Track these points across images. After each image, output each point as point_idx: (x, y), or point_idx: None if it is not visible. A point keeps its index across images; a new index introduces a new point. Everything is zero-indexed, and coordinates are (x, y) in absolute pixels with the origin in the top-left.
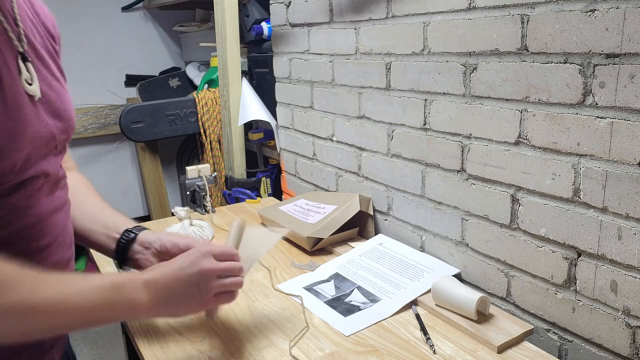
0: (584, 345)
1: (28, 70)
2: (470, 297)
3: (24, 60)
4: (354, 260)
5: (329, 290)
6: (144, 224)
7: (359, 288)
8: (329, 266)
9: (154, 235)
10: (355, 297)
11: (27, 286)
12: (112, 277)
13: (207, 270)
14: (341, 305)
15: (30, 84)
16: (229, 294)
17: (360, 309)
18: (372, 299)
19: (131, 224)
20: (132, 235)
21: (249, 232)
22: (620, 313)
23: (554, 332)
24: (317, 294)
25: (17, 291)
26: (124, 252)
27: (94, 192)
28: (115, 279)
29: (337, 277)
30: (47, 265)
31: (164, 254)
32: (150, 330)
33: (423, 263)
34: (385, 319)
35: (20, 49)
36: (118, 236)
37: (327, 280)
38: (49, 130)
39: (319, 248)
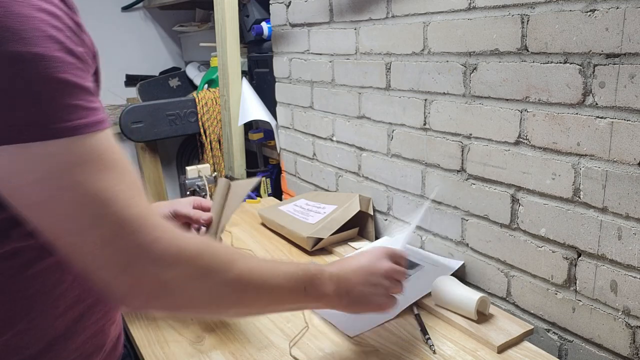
0: (584, 345)
1: None
2: (470, 297)
3: None
4: None
5: None
6: None
7: None
8: None
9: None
10: None
11: (244, 264)
12: (303, 267)
13: (393, 269)
14: None
15: None
16: (393, 299)
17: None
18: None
19: None
20: None
21: (233, 190)
22: (620, 313)
23: (554, 332)
24: None
25: (237, 268)
26: None
27: None
28: (307, 269)
29: None
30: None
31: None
32: (150, 330)
33: (427, 261)
34: (389, 320)
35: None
36: None
37: None
38: None
39: (319, 248)
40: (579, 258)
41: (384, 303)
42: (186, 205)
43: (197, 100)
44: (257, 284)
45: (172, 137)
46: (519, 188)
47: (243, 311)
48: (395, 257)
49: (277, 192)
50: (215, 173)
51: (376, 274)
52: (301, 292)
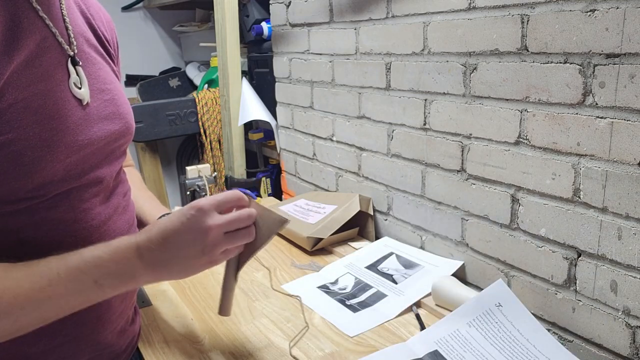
0: (584, 345)
1: (78, 74)
2: (470, 297)
3: (74, 63)
4: (360, 258)
5: (346, 287)
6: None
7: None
8: (336, 267)
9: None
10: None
11: None
12: (90, 254)
13: (210, 227)
14: (353, 302)
15: (79, 88)
16: (238, 248)
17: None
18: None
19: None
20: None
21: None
22: (620, 313)
23: (554, 332)
24: (329, 292)
25: None
26: None
27: (143, 187)
28: (96, 256)
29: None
30: None
31: None
32: (151, 330)
33: (427, 261)
34: (389, 320)
35: (70, 53)
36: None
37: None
38: (101, 136)
39: (319, 248)
40: (579, 258)
41: (212, 262)
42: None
43: (197, 100)
44: (16, 306)
45: (172, 137)
46: (519, 188)
47: (27, 329)
48: (226, 204)
49: (277, 192)
50: (215, 173)
51: (200, 231)
52: (92, 288)
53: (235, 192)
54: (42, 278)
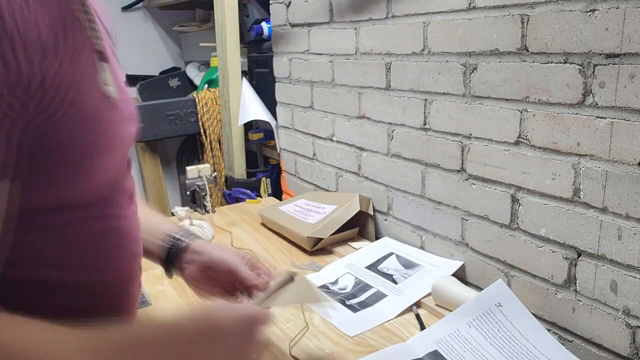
0: (584, 345)
1: (104, 70)
2: (470, 297)
3: (102, 59)
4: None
5: (346, 287)
6: None
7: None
8: (336, 267)
9: (203, 247)
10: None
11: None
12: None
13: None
14: (354, 301)
15: (107, 86)
16: None
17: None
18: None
19: (177, 229)
20: (184, 244)
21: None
22: (620, 313)
23: (554, 332)
24: (329, 292)
25: None
26: (173, 260)
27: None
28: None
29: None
30: (135, 285)
31: (210, 269)
32: None
33: (427, 261)
34: (389, 320)
35: (99, 47)
36: (168, 245)
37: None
38: (128, 138)
39: (319, 248)
40: (579, 258)
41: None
42: (241, 264)
43: (197, 100)
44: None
45: (172, 137)
46: (519, 188)
47: None
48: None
49: (277, 192)
50: (215, 173)
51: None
52: None
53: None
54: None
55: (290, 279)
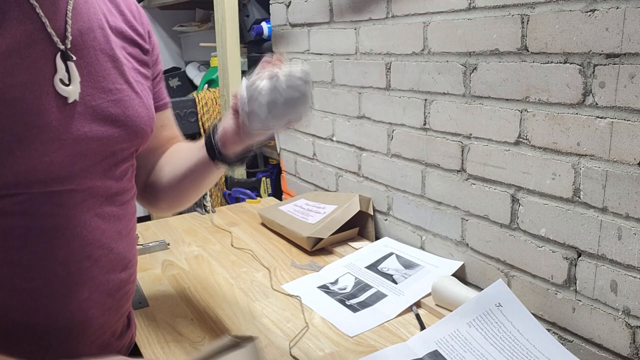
0: (584, 345)
1: (68, 70)
2: (470, 297)
3: (66, 58)
4: (360, 258)
5: (346, 287)
6: (146, 224)
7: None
8: (336, 267)
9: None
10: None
11: None
12: None
13: None
14: (353, 302)
15: (67, 85)
16: None
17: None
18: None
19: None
20: (214, 133)
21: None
22: (620, 313)
23: (554, 332)
24: (329, 292)
25: None
26: (213, 137)
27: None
28: None
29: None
30: (85, 288)
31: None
32: (151, 330)
33: (427, 261)
34: (389, 320)
35: (61, 46)
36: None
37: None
38: (93, 136)
39: (319, 248)
40: (579, 258)
41: None
42: None
43: (197, 100)
44: None
45: None
46: (519, 188)
47: None
48: None
49: (277, 192)
50: None
51: None
52: None
53: None
54: None
55: (235, 345)
